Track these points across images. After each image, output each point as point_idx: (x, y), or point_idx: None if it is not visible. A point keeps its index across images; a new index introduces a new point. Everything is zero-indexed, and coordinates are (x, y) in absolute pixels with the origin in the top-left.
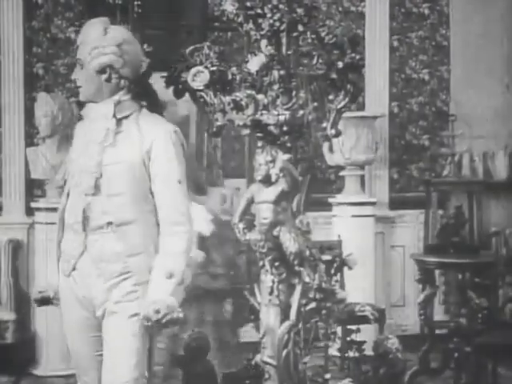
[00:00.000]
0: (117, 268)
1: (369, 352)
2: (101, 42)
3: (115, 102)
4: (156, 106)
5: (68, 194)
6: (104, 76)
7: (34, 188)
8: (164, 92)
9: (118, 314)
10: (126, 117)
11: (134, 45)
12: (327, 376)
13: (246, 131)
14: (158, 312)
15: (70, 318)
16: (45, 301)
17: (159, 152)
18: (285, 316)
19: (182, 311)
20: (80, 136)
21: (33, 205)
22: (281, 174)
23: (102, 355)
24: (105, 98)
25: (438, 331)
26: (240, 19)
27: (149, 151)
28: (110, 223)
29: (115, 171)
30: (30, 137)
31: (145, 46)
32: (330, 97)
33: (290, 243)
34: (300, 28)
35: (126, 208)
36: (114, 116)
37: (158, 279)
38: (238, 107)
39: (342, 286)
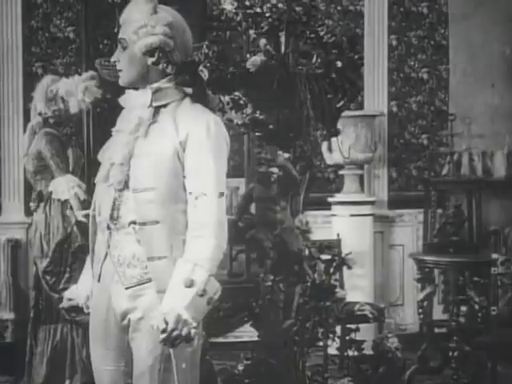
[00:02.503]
0: (136, 273)
1: (368, 351)
2: (149, 20)
3: (153, 90)
4: (202, 95)
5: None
6: (151, 59)
7: (32, 188)
8: None
9: (142, 332)
10: (165, 105)
11: (185, 28)
12: (326, 375)
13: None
14: (165, 325)
15: (95, 326)
16: (73, 309)
17: (194, 144)
18: (284, 315)
19: (197, 327)
20: (116, 126)
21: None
22: (280, 173)
23: (118, 370)
24: (147, 84)
25: (437, 330)
26: (239, 18)
27: (183, 142)
28: (132, 222)
29: (144, 164)
30: None
31: None
32: (329, 96)
33: (293, 241)
34: (299, 27)
35: (153, 206)
36: (151, 105)
37: (174, 287)
38: (237, 106)
39: (342, 285)
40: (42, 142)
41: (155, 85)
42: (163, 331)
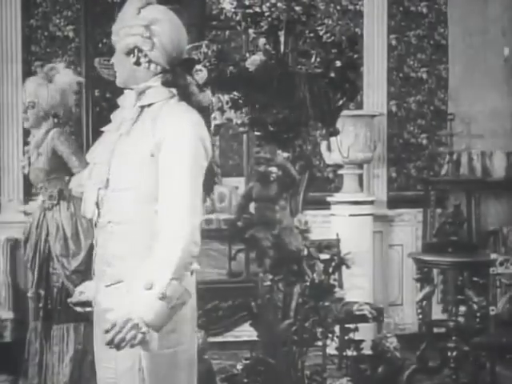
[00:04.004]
0: (111, 272)
1: (367, 351)
2: (129, 21)
3: (139, 90)
4: (188, 95)
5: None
6: (132, 59)
7: (31, 187)
8: None
9: None
10: (150, 105)
11: (170, 27)
12: (325, 375)
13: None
14: (112, 327)
15: (94, 322)
16: (82, 304)
17: (169, 146)
18: (283, 315)
19: (150, 331)
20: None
21: (31, 204)
22: (279, 173)
23: (109, 368)
24: (138, 84)
25: (436, 330)
26: (238, 17)
27: (159, 143)
28: (110, 221)
29: (123, 164)
30: (28, 135)
31: None
32: (329, 95)
33: (292, 241)
34: (298, 27)
35: (129, 206)
36: (135, 104)
37: (136, 289)
38: (236, 106)
39: (341, 285)
40: (59, 140)
41: (141, 85)
42: (107, 332)
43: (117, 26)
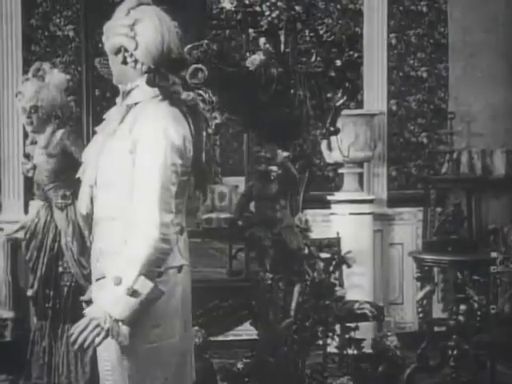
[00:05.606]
0: (98, 267)
1: (367, 350)
2: (117, 22)
3: (125, 89)
4: (168, 95)
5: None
6: (120, 58)
7: (32, 186)
8: None
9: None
10: (136, 104)
11: (154, 27)
12: (326, 374)
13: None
14: (75, 328)
15: None
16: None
17: (141, 145)
18: (284, 314)
19: (120, 325)
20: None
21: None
22: (279, 171)
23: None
24: (128, 83)
25: (436, 329)
26: (238, 17)
27: (135, 143)
28: (97, 218)
29: (107, 162)
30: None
31: None
32: (329, 94)
33: (293, 240)
34: (298, 26)
35: (111, 202)
36: (122, 104)
37: (107, 284)
38: (236, 105)
39: (341, 284)
40: (69, 140)
41: (128, 84)
42: (71, 335)
43: (106, 26)
